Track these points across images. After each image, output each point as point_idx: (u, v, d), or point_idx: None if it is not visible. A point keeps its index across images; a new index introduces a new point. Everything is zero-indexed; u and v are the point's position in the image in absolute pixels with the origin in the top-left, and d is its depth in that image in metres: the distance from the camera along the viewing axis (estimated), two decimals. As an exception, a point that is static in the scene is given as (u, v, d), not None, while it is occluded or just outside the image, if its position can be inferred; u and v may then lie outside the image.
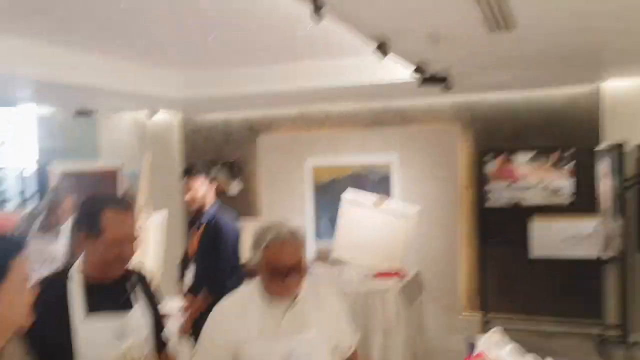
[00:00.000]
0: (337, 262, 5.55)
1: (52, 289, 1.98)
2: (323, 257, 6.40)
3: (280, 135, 7.15)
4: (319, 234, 6.88)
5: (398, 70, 4.72)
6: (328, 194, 6.73)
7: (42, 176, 6.08)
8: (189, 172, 3.90)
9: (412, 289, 5.23)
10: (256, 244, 2.06)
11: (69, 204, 4.40)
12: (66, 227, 4.46)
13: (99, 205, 2.02)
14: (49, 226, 4.43)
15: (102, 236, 1.98)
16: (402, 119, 6.64)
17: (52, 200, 4.40)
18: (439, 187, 6.47)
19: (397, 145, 6.60)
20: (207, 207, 3.87)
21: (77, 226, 2.06)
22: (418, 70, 4.46)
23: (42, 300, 1.81)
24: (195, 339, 2.90)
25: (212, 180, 3.89)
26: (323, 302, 2.16)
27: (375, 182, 6.59)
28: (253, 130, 7.31)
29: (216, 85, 5.78)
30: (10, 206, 6.06)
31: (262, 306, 2.07)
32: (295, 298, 2.09)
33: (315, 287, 2.21)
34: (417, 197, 6.27)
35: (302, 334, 2.05)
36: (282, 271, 2.01)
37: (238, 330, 2.04)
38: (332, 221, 6.34)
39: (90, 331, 1.94)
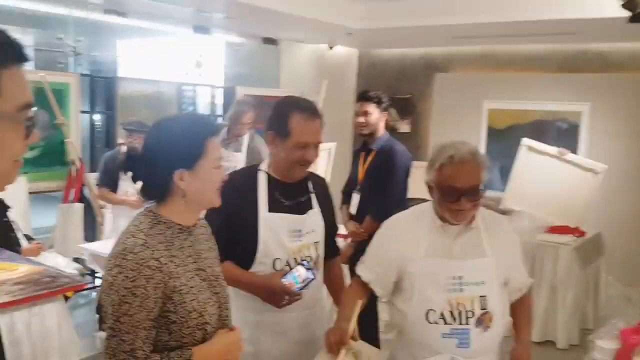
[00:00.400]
0: (506, 213, 5.27)
1: (245, 181, 2.17)
2: (491, 208, 6.11)
3: (458, 74, 6.85)
4: (488, 183, 6.54)
5: (601, 4, 4.19)
6: (503, 140, 6.34)
7: (228, 97, 6.49)
8: (365, 96, 3.86)
9: (589, 250, 4.81)
10: (432, 162, 1.94)
11: (249, 118, 4.64)
12: (246, 139, 4.76)
13: (289, 108, 2.10)
14: (231, 137, 4.72)
15: (289, 138, 2.07)
16: (600, 64, 5.97)
17: (234, 112, 4.66)
18: (633, 144, 5.79)
19: (590, 94, 5.98)
20: (378, 134, 3.81)
21: (268, 126, 2.16)
22: (628, 4, 3.91)
23: (236, 188, 2.08)
24: (350, 268, 2.97)
25: (384, 109, 3.82)
26: (499, 232, 2.01)
27: (560, 132, 6.07)
28: (429, 68, 7.08)
29: (395, 17, 5.62)
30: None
31: (433, 228, 2.00)
32: (469, 224, 1.98)
33: (492, 215, 2.08)
34: (605, 153, 5.68)
35: (474, 259, 1.94)
36: (455, 193, 1.89)
37: (407, 246, 2.00)
38: (503, 171, 6.01)
39: (271, 225, 2.09)
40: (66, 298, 3.71)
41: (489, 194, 6.32)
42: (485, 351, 1.95)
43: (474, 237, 1.97)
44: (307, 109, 2.11)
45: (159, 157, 1.54)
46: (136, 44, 7.48)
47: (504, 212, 5.27)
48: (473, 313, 1.91)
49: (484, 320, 1.91)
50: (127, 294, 1.41)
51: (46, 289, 2.73)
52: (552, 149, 5.19)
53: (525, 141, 5.32)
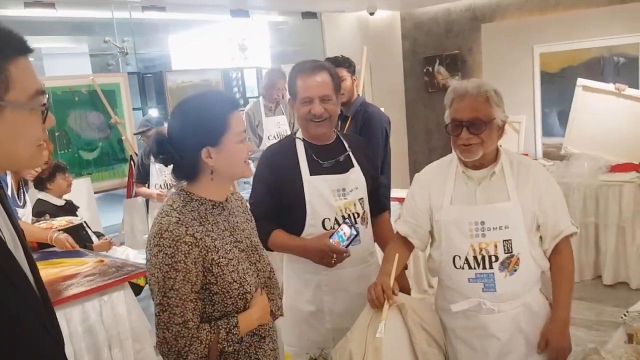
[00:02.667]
0: (567, 158, 5.09)
1: (283, 152, 2.27)
2: (551, 154, 5.93)
3: (505, 22, 6.59)
4: (546, 130, 6.32)
5: None
6: (558, 84, 6.07)
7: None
8: (336, 62, 3.77)
9: (657, 186, 4.58)
10: (445, 104, 1.97)
11: (282, 84, 4.78)
12: (283, 106, 4.98)
13: (294, 71, 2.22)
14: (271, 104, 4.92)
15: (297, 97, 2.19)
16: (656, -10, 5.59)
17: (268, 81, 4.81)
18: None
19: (647, 24, 5.61)
20: (352, 99, 3.74)
21: (289, 94, 2.30)
22: None
23: (276, 161, 2.24)
24: None
25: (354, 72, 3.72)
26: (528, 177, 1.96)
27: (618, 68, 5.74)
28: (476, 19, 6.84)
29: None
30: (252, 102, 6.76)
31: (458, 175, 2.01)
32: (493, 169, 1.96)
33: (521, 160, 2.03)
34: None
35: (496, 204, 1.92)
36: (458, 126, 1.90)
37: (435, 195, 2.03)
38: (562, 115, 5.78)
39: (315, 188, 2.18)
40: (140, 289, 3.95)
41: (548, 140, 6.15)
42: (513, 295, 1.94)
43: (498, 182, 1.95)
44: (309, 67, 2.19)
45: (184, 138, 1.59)
46: (184, 37, 7.65)
47: (564, 157, 5.11)
48: (497, 257, 1.90)
49: (509, 264, 1.90)
50: (169, 269, 1.48)
51: (112, 278, 2.91)
52: (609, 86, 4.95)
53: (580, 81, 5.10)
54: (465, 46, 7.01)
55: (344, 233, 2.09)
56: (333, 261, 2.11)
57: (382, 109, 5.55)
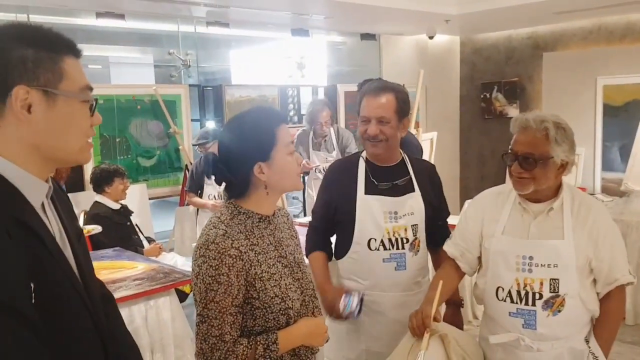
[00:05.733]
0: (626, 194, 4.91)
1: (345, 168, 2.32)
2: (610, 189, 5.74)
3: (568, 52, 6.46)
4: (606, 164, 6.12)
5: None
6: (621, 117, 5.89)
7: (332, 94, 6.61)
8: None
9: None
10: (511, 131, 1.95)
11: (325, 116, 4.76)
12: (333, 138, 4.93)
13: (362, 92, 2.25)
14: (317, 138, 4.90)
15: (359, 116, 2.22)
16: None
17: (310, 113, 4.82)
18: None
19: None
20: None
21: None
22: None
23: (337, 175, 2.32)
24: None
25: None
26: (588, 217, 1.90)
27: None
28: (538, 48, 6.74)
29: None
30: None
31: (514, 206, 1.97)
32: (551, 204, 1.91)
33: (584, 198, 1.96)
34: None
35: (548, 240, 1.87)
36: (511, 157, 1.88)
37: (488, 222, 2.00)
38: (624, 150, 5.59)
39: (367, 207, 2.19)
40: (185, 296, 4.02)
41: (608, 175, 5.95)
42: (554, 336, 1.87)
43: (555, 218, 1.90)
44: (375, 86, 2.22)
45: (235, 155, 1.61)
46: (245, 53, 7.82)
47: (623, 193, 4.93)
48: (541, 295, 1.85)
49: (553, 304, 1.84)
50: (212, 281, 1.50)
51: (160, 283, 2.97)
52: (677, 123, 4.76)
53: (645, 117, 4.92)
54: (525, 74, 6.90)
55: (353, 302, 2.09)
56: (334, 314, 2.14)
57: (435, 133, 5.55)
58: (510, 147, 1.92)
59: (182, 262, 4.28)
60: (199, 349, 1.54)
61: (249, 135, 1.61)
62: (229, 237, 1.54)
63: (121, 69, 7.61)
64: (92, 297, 1.20)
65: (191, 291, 4.24)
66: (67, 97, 1.12)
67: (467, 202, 5.24)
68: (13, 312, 0.98)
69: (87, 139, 1.19)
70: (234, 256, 1.52)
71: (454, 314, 2.28)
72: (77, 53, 1.17)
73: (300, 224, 4.16)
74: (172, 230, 5.21)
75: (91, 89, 1.18)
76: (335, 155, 4.83)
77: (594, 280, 1.93)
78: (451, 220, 3.76)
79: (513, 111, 7.02)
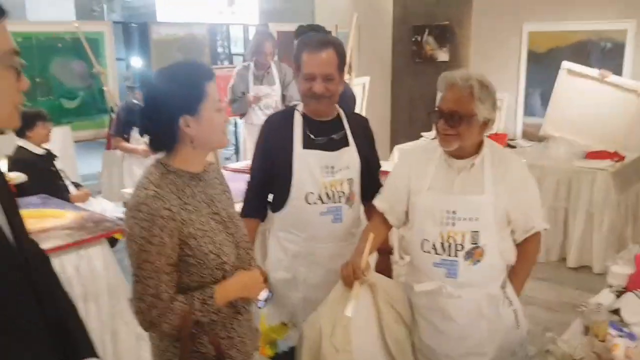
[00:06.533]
0: (545, 139, 5.18)
1: (281, 122, 2.31)
2: (531, 134, 6.02)
3: (497, -3, 6.57)
4: (528, 109, 6.39)
5: None
6: (544, 65, 6.12)
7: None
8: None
9: (629, 175, 4.70)
10: (437, 89, 2.01)
11: (269, 47, 4.69)
12: (275, 73, 4.86)
13: (300, 45, 2.24)
14: (259, 70, 4.80)
15: (300, 72, 2.21)
16: (647, -23, 5.60)
17: (254, 44, 4.73)
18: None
19: (636, 10, 5.64)
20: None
21: (294, 68, 2.33)
22: None
23: (273, 130, 2.30)
24: None
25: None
26: (506, 171, 2.01)
27: (604, 53, 5.80)
28: (468, -9, 6.80)
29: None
30: (236, 60, 6.70)
31: (440, 162, 2.05)
32: (473, 160, 2.00)
33: (502, 153, 2.08)
34: (652, 73, 5.41)
35: (470, 196, 1.98)
36: (438, 115, 1.95)
37: (414, 179, 2.08)
38: (545, 96, 5.85)
39: (304, 162, 2.21)
40: (115, 241, 3.97)
41: (529, 120, 6.23)
42: (473, 283, 2.01)
43: (476, 174, 1.99)
44: (316, 43, 2.20)
45: (161, 107, 1.58)
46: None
47: (543, 138, 5.20)
48: (462, 246, 1.97)
49: (474, 254, 1.97)
50: (144, 242, 1.51)
51: (90, 233, 2.93)
52: (593, 72, 5.01)
53: (565, 64, 5.14)
54: (455, 18, 6.96)
55: None
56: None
57: (368, 78, 5.59)
58: (437, 105, 1.98)
59: (112, 208, 4.21)
60: (136, 307, 1.57)
61: (177, 87, 1.58)
62: (160, 198, 1.54)
63: (38, 1, 7.11)
64: (28, 260, 1.20)
65: (122, 238, 4.22)
66: None
67: (396, 148, 5.42)
68: None
69: (15, 105, 1.15)
70: (165, 217, 1.53)
71: (384, 261, 2.39)
72: (1, 14, 1.11)
73: (234, 170, 4.15)
74: (100, 174, 5.07)
75: (17, 53, 1.13)
76: (277, 89, 4.80)
77: (512, 231, 2.06)
78: (383, 166, 3.89)
79: (443, 55, 7.12)
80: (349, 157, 2.28)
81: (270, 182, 2.33)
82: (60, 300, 1.43)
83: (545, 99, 5.85)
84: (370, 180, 2.38)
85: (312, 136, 2.25)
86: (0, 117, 1.14)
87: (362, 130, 2.38)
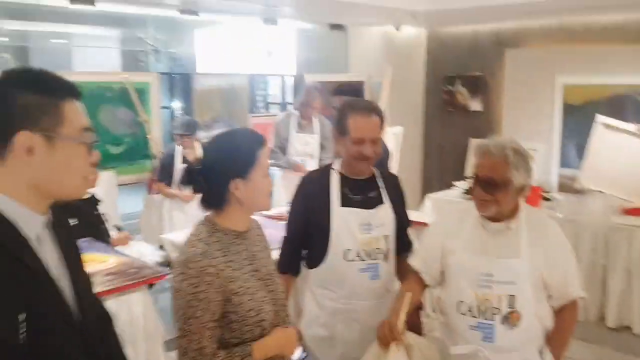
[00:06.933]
0: (581, 192, 5.15)
1: (318, 181, 2.40)
2: (566, 186, 5.98)
3: (530, 49, 6.64)
4: (564, 161, 6.37)
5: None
6: (579, 117, 6.11)
7: (299, 83, 6.66)
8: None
9: (669, 231, 4.62)
10: (474, 155, 2.07)
11: (318, 103, 4.86)
12: (317, 124, 5.06)
13: (347, 109, 2.32)
14: (303, 121, 5.05)
15: (347, 135, 2.28)
16: (683, 33, 5.62)
17: (304, 98, 4.91)
18: None
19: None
20: None
21: (333, 127, 2.43)
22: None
23: (310, 188, 2.39)
24: None
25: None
26: (544, 236, 2.04)
27: (640, 107, 5.78)
28: (501, 44, 6.90)
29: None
30: (273, 108, 6.89)
31: (475, 224, 2.09)
32: (510, 223, 2.04)
33: (540, 218, 2.11)
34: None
35: (506, 259, 2.00)
36: (475, 181, 2.00)
37: (450, 239, 2.12)
38: (580, 148, 5.83)
39: (342, 219, 2.28)
40: (151, 284, 4.07)
41: (565, 171, 6.19)
42: (511, 348, 2.01)
43: (513, 237, 2.02)
44: (363, 108, 2.30)
45: (216, 170, 1.71)
46: (212, 38, 7.76)
47: (578, 192, 5.16)
48: (499, 310, 1.98)
49: (510, 319, 1.98)
50: (192, 298, 1.59)
51: (132, 279, 3.03)
52: (630, 126, 5.00)
53: (600, 118, 5.14)
54: (488, 69, 7.06)
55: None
56: None
57: (401, 128, 5.68)
58: (473, 170, 2.04)
59: (150, 251, 4.32)
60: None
61: (232, 153, 1.71)
62: (208, 256, 1.63)
63: (86, 49, 7.47)
64: (88, 322, 1.27)
65: (157, 282, 4.31)
66: (66, 140, 1.19)
67: (428, 197, 5.45)
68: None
69: (84, 177, 1.26)
70: (212, 274, 1.61)
71: (414, 316, 2.40)
72: (76, 95, 1.23)
73: (268, 217, 4.24)
74: (140, 218, 5.22)
75: (90, 129, 1.25)
76: (316, 138, 4.99)
77: (549, 296, 2.07)
78: (412, 215, 3.95)
79: (475, 105, 7.20)
80: (385, 214, 2.35)
81: (306, 239, 2.39)
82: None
83: (581, 150, 5.81)
84: (402, 237, 2.45)
85: (349, 194, 2.33)
86: (69, 187, 1.24)
87: (395, 189, 2.47)
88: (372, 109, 2.31)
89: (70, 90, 1.22)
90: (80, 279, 1.33)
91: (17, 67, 1.23)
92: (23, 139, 1.15)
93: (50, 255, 1.24)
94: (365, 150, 2.26)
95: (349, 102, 2.42)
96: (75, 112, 1.22)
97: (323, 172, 2.44)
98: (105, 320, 1.50)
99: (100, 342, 1.34)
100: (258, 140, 1.75)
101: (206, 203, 1.76)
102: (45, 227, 1.25)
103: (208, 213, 1.77)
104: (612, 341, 4.25)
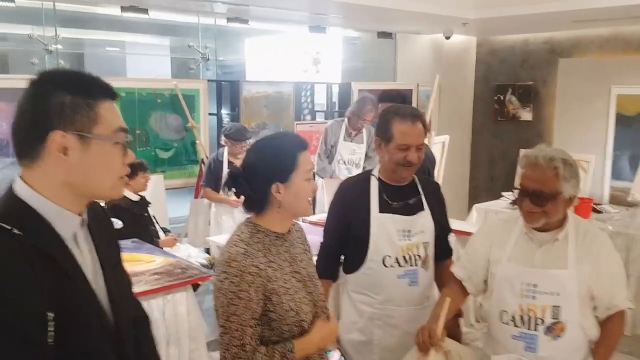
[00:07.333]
0: (633, 205, 4.98)
1: (357, 187, 2.40)
2: (618, 198, 5.80)
3: (584, 59, 6.49)
4: (616, 173, 6.18)
5: None
6: (633, 127, 5.94)
7: (344, 93, 6.70)
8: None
9: None
10: (519, 166, 2.04)
11: (370, 116, 4.87)
12: (365, 133, 5.10)
13: (391, 116, 2.31)
14: (352, 131, 5.06)
15: (391, 142, 2.27)
16: None
17: (357, 108, 4.93)
18: None
19: None
20: None
21: (375, 133, 2.42)
22: None
23: (349, 194, 2.38)
24: None
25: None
26: (592, 247, 1.99)
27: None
28: (554, 53, 6.77)
29: (510, 4, 5.46)
30: (319, 116, 6.94)
31: (521, 234, 2.06)
32: (557, 234, 2.00)
33: (589, 229, 2.05)
34: None
35: (552, 270, 1.96)
36: (523, 193, 1.96)
37: (496, 248, 2.09)
38: (633, 160, 5.65)
39: (381, 225, 2.28)
40: (198, 285, 4.16)
41: (617, 184, 6.00)
42: (554, 359, 1.97)
43: (560, 248, 1.99)
44: (407, 115, 2.29)
45: (258, 173, 1.74)
46: (261, 46, 7.89)
47: (631, 204, 5.00)
48: (543, 321, 1.95)
49: (554, 330, 1.94)
50: (233, 297, 1.62)
51: (178, 279, 3.10)
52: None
53: (656, 129, 4.98)
54: (540, 78, 6.94)
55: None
56: None
57: (447, 137, 5.62)
58: (519, 182, 2.00)
59: (196, 254, 4.43)
60: (222, 357, 1.67)
61: (274, 156, 1.74)
62: (249, 256, 1.66)
63: (138, 56, 7.71)
64: (120, 324, 1.28)
65: (203, 283, 4.40)
66: (100, 140, 1.20)
67: (475, 207, 5.37)
68: (25, 341, 1.06)
69: (119, 177, 1.27)
70: (253, 273, 1.64)
71: (453, 324, 2.38)
72: (112, 96, 1.25)
73: (311, 223, 4.27)
74: (187, 222, 5.34)
75: (125, 130, 1.26)
76: (363, 148, 5.03)
77: (595, 308, 2.02)
78: (456, 225, 3.91)
79: (526, 114, 7.07)
80: (424, 221, 2.34)
81: (344, 244, 2.39)
82: None
83: (634, 162, 5.65)
84: (441, 244, 2.43)
85: (388, 200, 2.32)
86: (105, 188, 1.24)
87: (435, 196, 2.45)
88: (416, 116, 2.30)
89: (105, 91, 1.23)
90: (117, 280, 1.34)
91: (52, 68, 1.25)
92: (58, 138, 1.15)
93: (85, 255, 1.25)
94: (410, 157, 2.26)
95: (393, 108, 2.41)
96: (111, 113, 1.23)
97: (362, 179, 2.44)
98: (141, 322, 1.52)
99: (133, 344, 1.35)
100: (300, 144, 1.78)
101: (248, 205, 1.80)
102: (82, 226, 1.26)
103: (250, 215, 1.81)
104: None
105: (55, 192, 1.18)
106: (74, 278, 1.18)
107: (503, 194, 5.75)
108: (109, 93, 1.24)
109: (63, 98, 1.16)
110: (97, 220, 1.33)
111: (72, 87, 1.18)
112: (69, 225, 1.21)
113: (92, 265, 1.27)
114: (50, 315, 1.09)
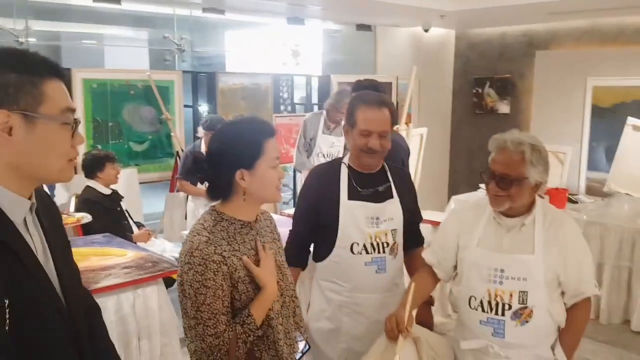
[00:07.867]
0: (609, 196, 5.01)
1: (327, 174, 2.38)
2: (594, 189, 5.85)
3: (561, 51, 6.53)
4: (592, 164, 6.23)
5: None
6: (608, 119, 5.99)
7: (324, 85, 6.66)
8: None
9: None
10: (489, 149, 2.03)
11: (345, 106, 4.82)
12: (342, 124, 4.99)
13: (356, 102, 2.31)
14: (331, 124, 5.00)
15: (355, 127, 2.26)
16: None
17: (334, 101, 4.89)
18: None
19: None
20: None
21: (344, 120, 2.40)
22: None
23: (319, 181, 2.37)
24: None
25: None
26: (559, 232, 1.98)
27: (673, 109, 5.62)
28: (531, 46, 6.80)
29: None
30: (298, 109, 6.89)
31: (490, 219, 2.05)
32: (524, 219, 1.99)
33: (556, 215, 2.05)
34: None
35: (519, 255, 1.96)
36: (489, 176, 1.96)
37: (464, 234, 2.09)
38: (610, 151, 5.69)
39: (350, 212, 2.26)
40: (172, 281, 4.09)
41: (593, 175, 6.05)
42: (522, 344, 1.97)
43: (526, 233, 1.98)
44: (373, 100, 2.27)
45: (222, 159, 1.69)
46: (240, 38, 7.82)
47: (607, 194, 5.04)
48: (510, 306, 1.94)
49: (521, 315, 1.93)
50: (200, 286, 1.58)
51: (148, 273, 3.03)
52: (661, 128, 4.85)
53: (631, 120, 5.01)
54: (517, 71, 6.97)
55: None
56: None
57: (426, 129, 5.61)
58: (488, 165, 1.99)
59: (171, 248, 4.36)
60: (198, 349, 1.61)
61: (238, 142, 1.69)
62: (212, 244, 1.62)
63: (116, 48, 7.60)
64: (73, 311, 1.25)
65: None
66: (46, 120, 1.16)
67: (453, 199, 5.38)
68: None
69: (67, 160, 1.22)
70: (217, 261, 1.60)
71: (424, 312, 2.37)
72: (59, 74, 1.20)
73: (290, 215, 4.23)
74: (162, 215, 5.27)
75: (73, 110, 1.22)
76: (342, 140, 4.96)
77: (562, 293, 2.02)
78: (433, 216, 3.87)
79: (504, 107, 7.10)
80: (393, 209, 2.32)
81: (314, 232, 2.37)
82: (105, 351, 1.47)
83: (610, 154, 5.69)
84: (411, 232, 2.41)
85: (358, 188, 2.30)
86: (53, 170, 1.20)
87: (405, 184, 2.43)
88: (382, 102, 2.27)
89: (51, 70, 1.18)
90: (67, 267, 1.31)
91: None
92: (2, 117, 1.11)
93: (36, 240, 1.22)
94: (372, 143, 2.23)
95: (360, 94, 2.39)
96: (57, 92, 1.18)
97: (333, 166, 2.42)
98: (92, 310, 1.49)
99: (86, 331, 1.32)
100: (267, 131, 1.73)
101: (213, 192, 1.75)
102: (31, 211, 1.22)
103: (215, 203, 1.76)
104: (637, 345, 4.14)
105: (3, 175, 1.14)
106: (28, 264, 1.14)
107: (480, 185, 5.75)
108: (55, 71, 1.20)
109: (7, 77, 1.12)
110: (44, 204, 1.29)
111: (16, 66, 1.14)
112: (19, 209, 1.17)
113: (43, 251, 1.23)
114: (5, 301, 1.06)
